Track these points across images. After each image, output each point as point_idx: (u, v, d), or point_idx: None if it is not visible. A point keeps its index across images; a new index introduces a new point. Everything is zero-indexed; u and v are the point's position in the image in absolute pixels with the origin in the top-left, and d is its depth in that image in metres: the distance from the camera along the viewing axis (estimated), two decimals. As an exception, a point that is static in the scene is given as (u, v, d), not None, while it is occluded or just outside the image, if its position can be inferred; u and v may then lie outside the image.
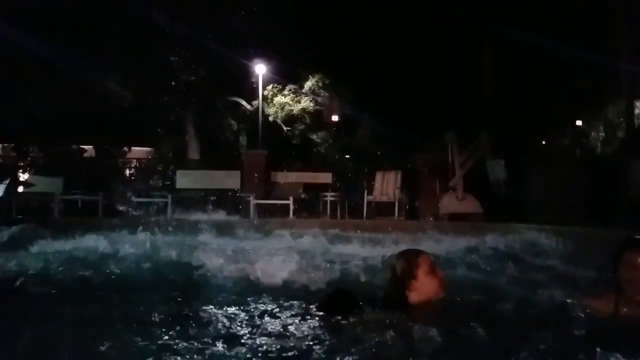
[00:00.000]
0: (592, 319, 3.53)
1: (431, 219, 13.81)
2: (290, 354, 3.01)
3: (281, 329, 3.48)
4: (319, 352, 3.01)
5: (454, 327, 3.24)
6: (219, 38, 21.83)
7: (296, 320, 3.64)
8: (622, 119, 23.07)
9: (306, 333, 3.35)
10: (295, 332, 3.38)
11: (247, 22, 22.82)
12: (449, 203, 14.44)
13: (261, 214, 15.44)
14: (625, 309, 3.55)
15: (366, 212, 15.69)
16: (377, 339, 3.06)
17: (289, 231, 10.03)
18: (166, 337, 3.25)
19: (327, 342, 3.15)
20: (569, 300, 3.95)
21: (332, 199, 16.27)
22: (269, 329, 3.50)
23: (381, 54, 24.37)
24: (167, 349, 3.05)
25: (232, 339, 3.25)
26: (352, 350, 2.95)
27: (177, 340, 3.19)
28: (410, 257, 3.59)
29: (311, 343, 3.15)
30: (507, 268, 6.22)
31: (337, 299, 3.79)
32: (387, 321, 3.36)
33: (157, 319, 3.72)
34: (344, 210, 16.37)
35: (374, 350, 2.96)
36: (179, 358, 2.91)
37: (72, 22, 20.01)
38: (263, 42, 22.59)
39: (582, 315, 3.60)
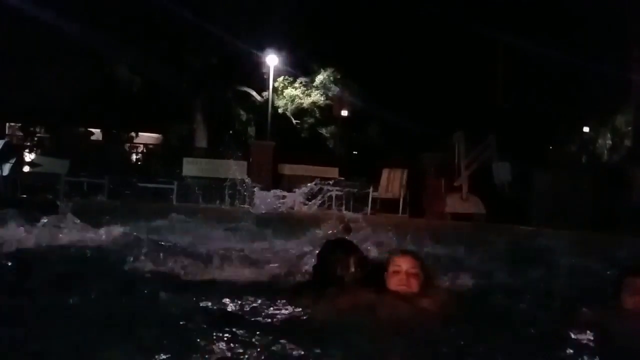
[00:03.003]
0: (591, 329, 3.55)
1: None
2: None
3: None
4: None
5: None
6: (231, 28, 21.85)
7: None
8: (630, 128, 23.06)
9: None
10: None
11: (261, 13, 22.83)
12: (453, 203, 14.48)
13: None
14: (623, 327, 3.57)
15: (371, 207, 15.72)
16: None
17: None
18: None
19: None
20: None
21: (337, 193, 16.31)
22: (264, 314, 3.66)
23: (394, 53, 24.38)
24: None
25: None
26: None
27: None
28: (390, 254, 4.11)
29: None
30: (503, 270, 6.24)
31: (338, 244, 4.27)
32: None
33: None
34: (349, 205, 16.41)
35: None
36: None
37: (88, 5, 20.09)
38: (276, 33, 22.60)
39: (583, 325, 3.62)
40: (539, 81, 24.26)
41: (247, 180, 13.51)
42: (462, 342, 3.30)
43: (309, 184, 10.71)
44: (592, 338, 3.33)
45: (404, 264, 3.83)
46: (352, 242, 4.31)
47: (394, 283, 3.79)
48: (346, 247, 4.15)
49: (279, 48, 22.94)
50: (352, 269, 3.92)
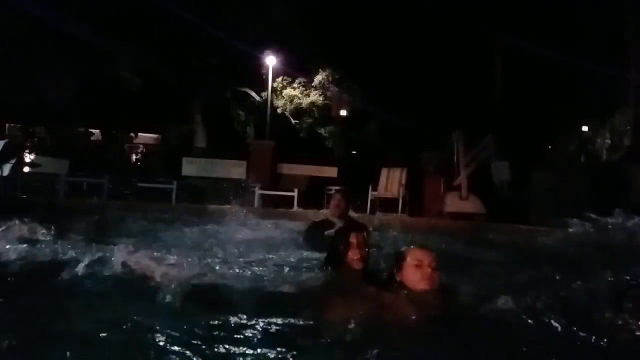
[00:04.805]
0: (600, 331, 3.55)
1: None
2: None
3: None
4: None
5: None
6: (231, 28, 21.86)
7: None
8: (628, 127, 23.05)
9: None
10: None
11: (260, 13, 22.83)
12: (452, 202, 14.45)
13: (265, 204, 15.47)
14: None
15: (370, 207, 15.71)
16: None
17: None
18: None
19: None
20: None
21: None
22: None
23: (393, 53, 24.39)
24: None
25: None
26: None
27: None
28: (403, 251, 4.01)
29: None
30: (504, 269, 6.24)
31: (345, 227, 4.64)
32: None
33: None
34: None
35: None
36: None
37: (88, 5, 20.10)
38: (275, 34, 22.61)
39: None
40: (538, 80, 24.27)
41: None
42: (465, 342, 3.31)
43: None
44: (599, 340, 3.34)
45: (425, 258, 3.79)
46: (360, 224, 4.55)
47: (419, 277, 3.73)
48: (351, 228, 4.39)
49: (277, 48, 22.97)
50: (358, 248, 4.17)
